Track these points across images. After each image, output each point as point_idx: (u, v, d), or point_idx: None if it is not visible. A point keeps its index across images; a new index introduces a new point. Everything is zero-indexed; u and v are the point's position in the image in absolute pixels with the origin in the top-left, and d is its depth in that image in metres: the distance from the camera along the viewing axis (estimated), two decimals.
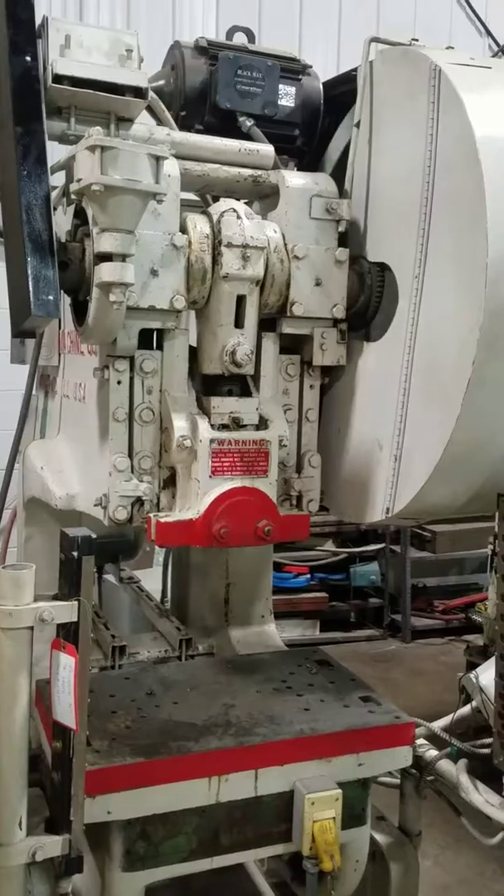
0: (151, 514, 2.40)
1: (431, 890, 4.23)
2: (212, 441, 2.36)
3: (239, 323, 2.40)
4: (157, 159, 2.03)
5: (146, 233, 2.25)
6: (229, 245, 2.33)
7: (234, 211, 2.37)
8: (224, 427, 2.41)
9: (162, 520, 2.35)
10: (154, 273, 2.30)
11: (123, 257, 2.07)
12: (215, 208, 2.42)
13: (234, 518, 2.34)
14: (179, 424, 2.37)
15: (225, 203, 2.42)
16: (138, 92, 2.41)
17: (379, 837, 2.57)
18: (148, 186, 2.02)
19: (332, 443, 2.74)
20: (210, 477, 2.36)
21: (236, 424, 2.42)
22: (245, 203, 2.84)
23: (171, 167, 2.32)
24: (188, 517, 2.36)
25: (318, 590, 7.80)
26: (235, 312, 2.39)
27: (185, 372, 2.45)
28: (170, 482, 2.47)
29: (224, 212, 2.37)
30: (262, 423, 2.48)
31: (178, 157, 2.44)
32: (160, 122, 2.65)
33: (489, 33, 8.75)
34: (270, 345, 2.56)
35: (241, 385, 2.50)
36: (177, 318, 2.39)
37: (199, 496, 2.35)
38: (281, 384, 2.62)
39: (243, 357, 2.38)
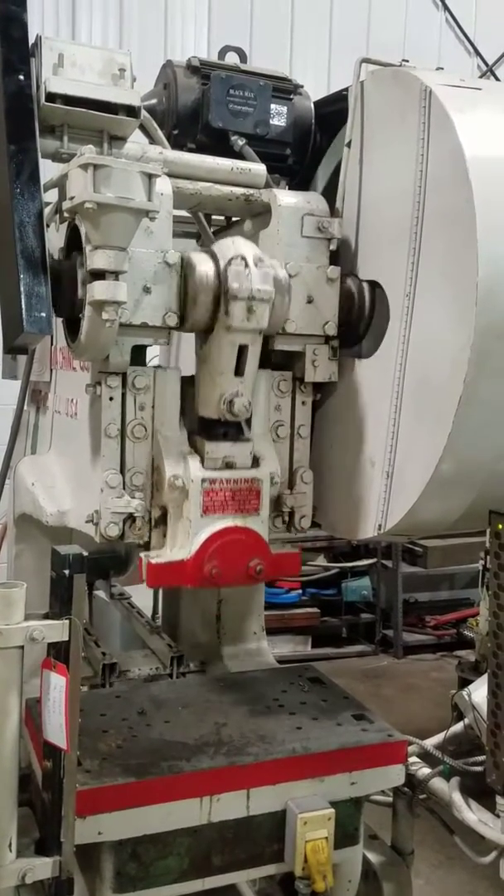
0: (143, 555, 2.39)
1: None
2: (203, 480, 2.36)
3: (239, 371, 2.37)
4: (150, 177, 2.04)
5: (139, 250, 2.26)
6: (235, 298, 2.25)
7: (243, 259, 2.26)
8: (217, 469, 2.41)
9: (153, 561, 2.34)
10: (147, 290, 2.31)
11: (116, 275, 2.08)
12: (222, 252, 2.30)
13: (225, 558, 2.34)
14: (171, 464, 2.37)
15: (233, 246, 2.31)
16: (131, 111, 2.42)
17: (371, 857, 2.55)
18: (140, 204, 2.03)
19: (324, 459, 2.75)
20: (201, 516, 2.35)
21: (229, 468, 2.42)
22: (237, 220, 2.88)
23: (164, 185, 2.33)
24: (179, 557, 2.35)
25: (310, 605, 7.77)
26: (237, 361, 2.35)
27: (177, 411, 2.45)
28: (161, 521, 2.46)
29: (231, 259, 2.26)
30: (254, 462, 2.48)
31: (170, 175, 2.45)
32: (153, 140, 2.67)
33: (478, 53, 8.86)
34: (262, 382, 2.55)
35: (236, 427, 2.48)
36: (168, 334, 2.39)
37: (190, 535, 2.35)
38: (273, 400, 2.63)
39: (241, 409, 2.36)
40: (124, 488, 2.42)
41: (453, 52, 8.69)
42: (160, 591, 3.61)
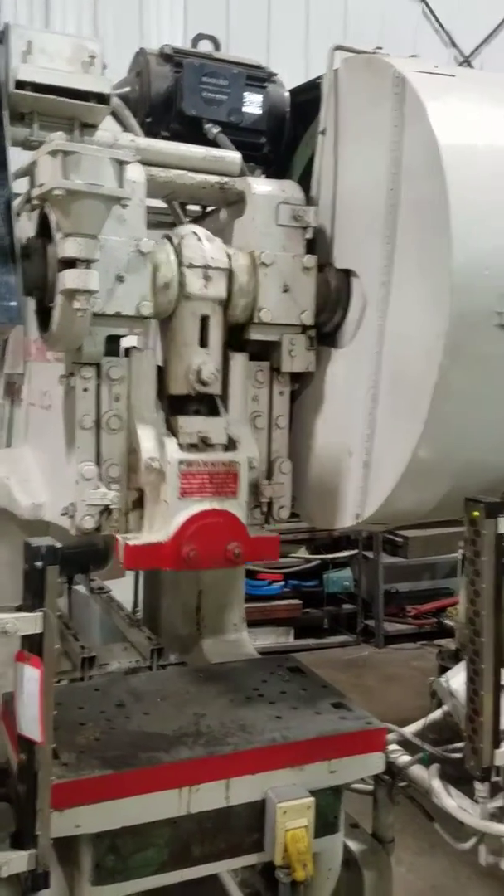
0: (119, 536, 2.37)
1: None
2: (180, 462, 2.35)
3: (203, 342, 2.39)
4: (120, 164, 2.02)
5: (111, 238, 2.24)
6: (191, 266, 2.35)
7: (195, 234, 2.39)
8: (192, 447, 2.40)
9: (130, 542, 2.33)
10: (120, 279, 2.28)
11: (87, 263, 2.05)
12: (176, 232, 2.44)
13: (203, 540, 2.32)
14: (147, 446, 2.36)
15: (185, 227, 2.44)
16: (101, 98, 2.39)
17: (352, 845, 2.56)
18: (111, 191, 2.00)
19: (302, 449, 2.74)
20: (179, 498, 2.34)
21: (204, 444, 2.41)
22: (213, 209, 2.86)
23: (136, 173, 2.31)
24: (157, 539, 2.34)
25: (292, 597, 7.80)
26: (200, 332, 2.39)
27: (153, 392, 2.43)
28: (138, 503, 2.44)
29: (184, 235, 2.40)
30: (231, 445, 2.47)
31: (143, 163, 2.42)
32: (126, 128, 2.64)
33: (454, 44, 8.88)
34: (238, 365, 2.55)
35: (209, 405, 2.49)
36: (143, 323, 2.37)
37: (167, 518, 2.33)
38: (250, 391, 2.61)
39: (209, 375, 2.37)
40: (100, 480, 2.40)
41: (430, 43, 8.70)
42: (140, 584, 3.59)
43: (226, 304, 2.45)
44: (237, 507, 2.41)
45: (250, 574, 7.38)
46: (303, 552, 7.93)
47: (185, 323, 2.39)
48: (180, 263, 2.36)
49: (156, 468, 2.34)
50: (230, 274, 2.43)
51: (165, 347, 2.47)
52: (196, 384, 2.38)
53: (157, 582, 3.11)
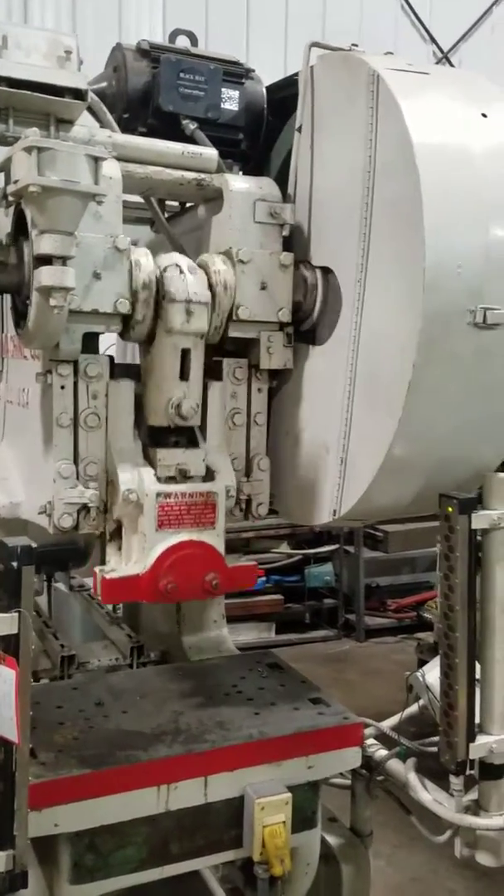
0: (97, 569, 2.38)
1: (385, 889, 4.27)
2: (158, 494, 2.35)
3: (184, 375, 2.37)
4: (96, 160, 2.01)
5: (88, 235, 2.23)
6: (173, 300, 2.31)
7: (177, 266, 2.35)
8: (170, 479, 2.40)
9: (107, 576, 2.33)
10: (97, 276, 2.28)
11: (63, 260, 2.04)
12: (158, 262, 2.38)
13: (180, 572, 2.33)
14: (125, 477, 2.35)
15: (167, 257, 2.39)
16: (77, 94, 2.38)
17: (330, 839, 2.57)
18: (87, 187, 1.99)
19: (280, 446, 2.75)
20: (156, 530, 2.34)
21: (183, 476, 2.41)
22: (191, 206, 2.86)
23: (112, 169, 2.30)
24: (134, 572, 2.34)
25: (273, 592, 7.82)
26: (181, 365, 2.37)
27: (131, 422, 2.43)
28: (116, 534, 2.44)
29: (167, 266, 2.35)
30: (209, 475, 2.47)
31: (120, 159, 2.42)
32: (102, 124, 2.63)
33: (433, 40, 8.91)
34: (216, 394, 2.54)
35: (188, 435, 2.48)
36: (120, 322, 2.37)
37: (145, 550, 2.33)
38: (229, 388, 2.62)
39: (188, 411, 2.36)
40: (78, 479, 2.39)
41: (409, 39, 8.73)
42: None
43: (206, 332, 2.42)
44: (215, 537, 2.41)
45: None
46: (284, 547, 7.96)
47: (165, 356, 2.36)
48: (163, 296, 2.32)
49: (133, 500, 2.33)
50: (213, 302, 2.41)
51: (144, 376, 2.46)
52: (176, 418, 2.37)
53: None
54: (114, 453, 2.38)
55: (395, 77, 2.23)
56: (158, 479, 2.37)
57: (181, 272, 2.33)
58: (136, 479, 2.35)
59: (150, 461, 2.41)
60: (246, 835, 2.19)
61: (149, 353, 2.42)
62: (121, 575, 2.33)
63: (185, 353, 2.36)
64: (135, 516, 2.36)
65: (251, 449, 2.68)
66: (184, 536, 2.36)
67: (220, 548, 2.42)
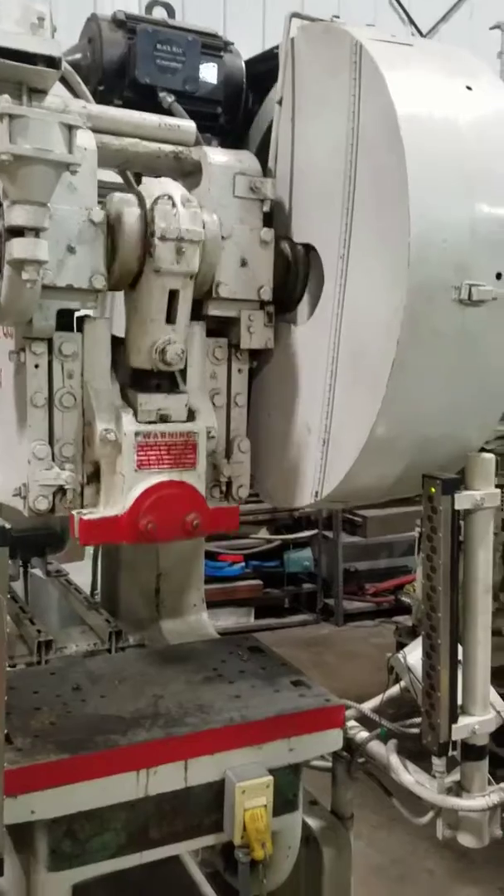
0: (75, 512, 2.31)
1: (365, 870, 4.29)
2: (137, 434, 2.29)
3: (171, 318, 2.30)
4: (70, 128, 1.94)
5: (62, 207, 2.16)
6: (163, 238, 2.20)
7: (170, 198, 2.21)
8: (151, 423, 2.34)
9: (86, 517, 2.27)
10: (71, 250, 2.21)
11: (36, 232, 1.98)
12: (148, 191, 2.27)
13: (161, 512, 2.27)
14: (102, 417, 2.29)
15: (159, 186, 2.28)
16: (51, 61, 2.28)
17: (311, 822, 2.56)
18: (60, 156, 1.93)
19: (261, 427, 2.71)
20: (135, 471, 2.29)
21: (164, 421, 2.35)
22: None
23: (87, 140, 2.23)
24: (113, 513, 2.28)
25: (253, 577, 7.84)
26: (167, 307, 2.29)
27: (108, 363, 2.36)
28: (93, 477, 2.38)
29: (158, 198, 2.21)
30: (190, 415, 2.42)
31: (95, 131, 2.34)
32: (76, 95, 2.55)
33: (412, 21, 8.85)
34: (197, 334, 2.49)
35: (170, 379, 2.43)
36: (97, 298, 2.30)
37: (124, 491, 2.28)
38: (208, 368, 2.57)
39: (174, 357, 2.29)
40: (53, 460, 2.33)
41: (388, 20, 8.67)
42: (98, 567, 3.54)
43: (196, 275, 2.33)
44: (196, 477, 2.37)
45: (211, 555, 7.38)
46: (263, 533, 7.97)
47: (152, 297, 2.26)
48: (151, 234, 2.21)
49: (111, 440, 2.28)
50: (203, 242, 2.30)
51: (128, 318, 2.38)
52: (160, 363, 2.30)
53: (116, 564, 3.06)
54: (90, 394, 2.31)
55: (378, 48, 2.18)
56: (138, 422, 2.31)
57: (173, 205, 2.22)
58: (114, 420, 2.29)
59: (129, 403, 2.34)
60: (227, 819, 2.17)
61: (133, 292, 2.32)
62: (99, 516, 2.27)
63: (174, 295, 2.27)
64: (113, 457, 2.30)
65: (231, 430, 2.63)
66: (164, 477, 2.31)
67: (201, 488, 2.37)
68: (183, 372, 2.46)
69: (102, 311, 2.36)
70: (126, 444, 2.27)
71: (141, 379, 2.38)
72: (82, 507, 2.38)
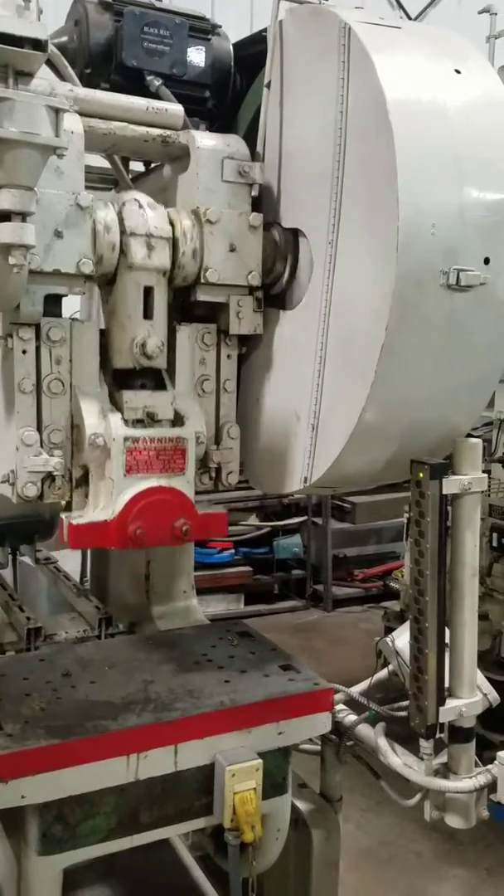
0: (64, 515, 2.32)
1: (354, 853, 4.34)
2: (126, 439, 2.29)
3: (147, 314, 2.33)
4: (57, 112, 1.93)
5: (49, 192, 2.15)
6: (133, 234, 2.28)
7: (136, 201, 2.32)
8: (138, 423, 2.35)
9: (74, 521, 2.27)
10: (58, 234, 2.20)
11: (23, 216, 1.96)
12: (117, 198, 2.36)
13: (150, 518, 2.28)
14: (91, 422, 2.29)
15: (127, 194, 2.37)
16: (37, 44, 2.25)
17: (300, 805, 2.58)
18: (47, 140, 1.91)
19: (250, 413, 2.71)
20: (124, 476, 2.29)
21: (151, 419, 2.36)
22: (156, 166, 2.78)
23: (74, 123, 2.22)
24: (102, 518, 2.29)
25: (242, 564, 7.85)
26: (144, 303, 2.32)
27: (96, 365, 2.37)
28: (82, 481, 2.39)
29: (125, 202, 2.32)
30: (178, 420, 2.42)
31: (82, 114, 2.33)
32: (63, 78, 2.52)
33: (401, 5, 8.80)
34: (185, 338, 2.50)
35: (155, 378, 2.43)
36: (84, 283, 2.29)
37: (113, 496, 2.28)
38: (198, 354, 2.56)
39: (153, 349, 2.32)
40: (42, 446, 2.33)
41: (377, 4, 8.60)
42: (88, 554, 3.54)
43: (170, 273, 2.39)
44: (185, 483, 2.37)
45: (201, 542, 7.38)
46: (253, 520, 7.98)
47: (127, 294, 2.31)
48: (122, 231, 2.29)
49: (100, 444, 2.28)
50: (174, 242, 2.37)
51: (108, 319, 2.40)
52: (141, 358, 2.32)
53: (105, 551, 3.06)
54: (79, 398, 2.32)
55: (367, 31, 2.17)
56: (126, 423, 2.32)
57: (140, 206, 2.31)
58: (103, 424, 2.29)
59: (116, 405, 2.35)
60: (216, 802, 2.18)
61: (111, 294, 2.36)
62: (88, 520, 2.28)
63: (148, 291, 2.32)
64: (102, 461, 2.31)
65: (221, 416, 2.63)
66: (153, 482, 2.31)
67: (190, 494, 2.38)
68: (170, 373, 2.46)
69: (90, 314, 2.36)
70: (115, 448, 2.28)
71: (126, 379, 2.39)
72: (71, 495, 2.38)
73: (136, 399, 2.35)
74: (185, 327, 2.49)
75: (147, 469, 2.32)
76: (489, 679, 2.45)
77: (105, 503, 2.30)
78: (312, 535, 8.14)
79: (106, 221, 2.28)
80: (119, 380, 2.40)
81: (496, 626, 4.93)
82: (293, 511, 8.22)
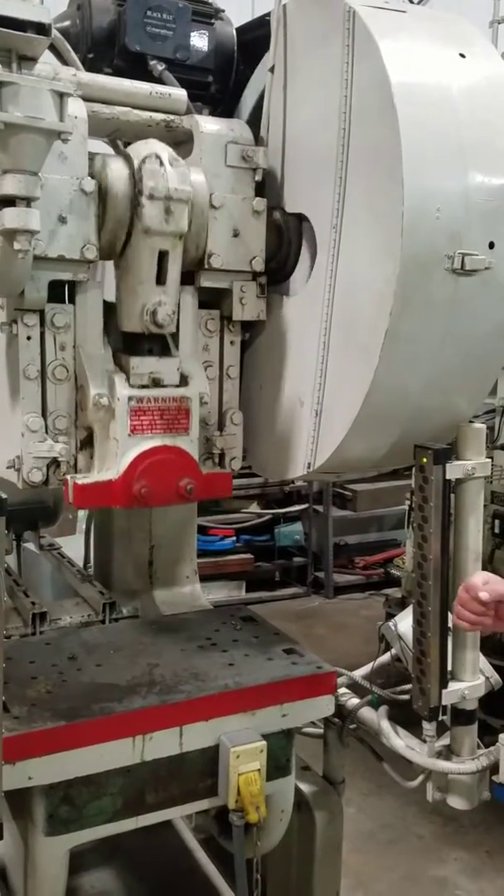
0: (69, 476, 2.32)
1: (356, 836, 4.38)
2: (130, 399, 2.29)
3: (161, 280, 2.29)
4: (61, 96, 1.92)
5: (53, 177, 2.15)
6: (151, 197, 2.19)
7: (157, 157, 2.20)
8: (143, 387, 2.34)
9: (79, 481, 2.28)
10: (62, 220, 2.19)
11: (28, 201, 1.96)
12: (135, 151, 2.27)
13: (154, 477, 2.28)
14: (95, 382, 2.29)
15: (146, 146, 2.26)
16: (41, 28, 2.24)
17: (304, 787, 2.60)
18: (51, 125, 1.91)
19: (253, 400, 2.71)
20: (129, 436, 2.29)
21: (156, 385, 2.35)
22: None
23: (78, 108, 2.21)
24: (107, 478, 2.29)
25: (244, 551, 7.87)
26: (157, 268, 2.28)
27: (100, 328, 2.36)
28: (87, 443, 2.39)
29: (146, 157, 2.20)
30: (183, 381, 2.42)
31: (86, 99, 2.32)
32: (66, 63, 2.52)
33: None
34: (189, 299, 2.48)
35: (162, 342, 2.42)
36: (88, 269, 2.29)
37: (117, 456, 2.28)
38: (201, 340, 2.57)
39: (164, 318, 2.29)
40: (47, 432, 2.34)
41: None
42: (91, 540, 3.55)
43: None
44: (189, 443, 2.38)
45: (202, 530, 7.40)
46: (254, 507, 7.99)
47: (141, 259, 2.25)
48: (139, 192, 2.20)
49: (104, 405, 2.28)
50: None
51: (118, 282, 2.37)
52: (151, 325, 2.29)
53: (109, 536, 3.07)
54: (83, 359, 2.31)
55: (371, 14, 2.16)
56: (131, 387, 2.31)
57: (161, 164, 2.20)
58: (107, 385, 2.29)
59: (121, 368, 2.34)
60: (221, 783, 2.20)
61: (123, 254, 2.30)
62: (93, 480, 2.29)
63: (163, 256, 2.26)
64: (106, 422, 2.31)
65: (224, 403, 2.64)
66: (157, 442, 2.32)
67: (195, 454, 2.39)
68: (175, 337, 2.45)
69: (94, 276, 2.35)
70: (119, 408, 2.28)
71: (133, 343, 2.38)
72: (76, 467, 2.39)
73: (144, 365, 2.34)
74: (188, 289, 2.46)
75: (151, 429, 2.32)
76: (492, 664, 2.47)
77: (110, 464, 2.31)
78: (314, 523, 8.16)
79: (119, 185, 2.19)
80: (126, 342, 2.39)
81: None
82: (294, 499, 8.23)
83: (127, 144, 2.72)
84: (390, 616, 4.79)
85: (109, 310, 2.39)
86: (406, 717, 2.50)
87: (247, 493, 7.76)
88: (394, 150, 2.05)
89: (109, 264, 2.45)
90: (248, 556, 7.86)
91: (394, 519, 8.16)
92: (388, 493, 7.78)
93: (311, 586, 8.18)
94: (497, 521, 5.06)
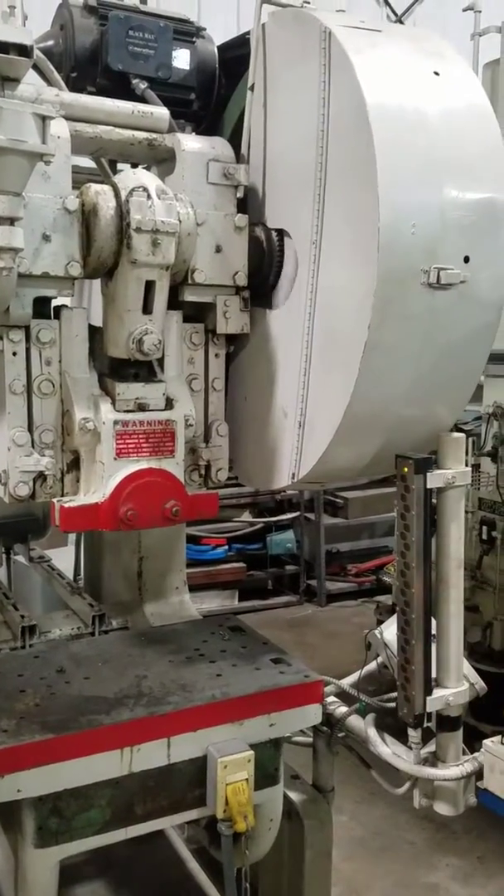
0: (55, 500, 2.34)
1: (348, 843, 4.39)
2: (116, 423, 2.33)
3: (147, 309, 2.33)
4: (44, 119, 1.96)
5: (36, 196, 2.18)
6: (139, 230, 2.22)
7: (145, 190, 2.23)
8: (129, 411, 2.37)
9: (66, 504, 2.31)
10: (46, 238, 2.23)
11: (11, 221, 1.99)
12: (123, 182, 2.29)
13: (140, 500, 2.31)
14: (81, 406, 2.32)
15: (134, 177, 2.30)
16: (23, 50, 2.29)
17: (293, 796, 2.62)
18: (34, 147, 1.94)
19: (238, 411, 2.75)
20: (115, 459, 2.32)
21: (142, 409, 2.39)
22: (148, 169, 2.79)
23: (61, 128, 2.25)
24: (93, 501, 2.32)
25: (236, 560, 7.88)
26: (144, 298, 2.32)
27: (85, 352, 2.39)
28: (73, 465, 2.42)
29: (133, 190, 2.24)
30: (168, 404, 2.45)
31: (69, 118, 2.36)
32: (49, 83, 2.55)
33: (387, 3, 8.82)
34: (173, 323, 2.52)
35: (148, 367, 2.45)
36: (73, 285, 2.32)
37: (104, 479, 2.31)
38: (186, 353, 2.60)
39: (151, 347, 2.32)
40: (33, 446, 2.36)
41: (363, 2, 8.62)
42: (81, 553, 3.57)
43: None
44: (174, 465, 2.41)
45: (194, 539, 7.41)
46: (246, 516, 8.00)
47: (128, 288, 2.29)
48: (127, 225, 2.23)
49: (90, 429, 2.31)
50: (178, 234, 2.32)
51: (105, 308, 2.40)
52: (137, 353, 2.33)
53: (98, 549, 3.09)
54: (69, 383, 2.34)
55: (347, 34, 2.20)
56: (117, 411, 2.34)
57: (149, 197, 2.23)
58: (93, 409, 2.32)
59: (107, 393, 2.37)
60: (209, 793, 2.22)
61: (111, 282, 2.34)
62: (79, 503, 2.31)
63: (150, 286, 2.30)
64: (92, 445, 2.34)
65: (209, 415, 2.67)
66: (143, 465, 2.35)
67: (180, 476, 2.42)
68: (161, 360, 2.48)
69: (80, 301, 2.38)
70: (105, 432, 2.31)
71: (119, 368, 2.41)
72: (63, 493, 2.42)
73: (129, 391, 2.37)
74: (173, 313, 2.50)
75: (137, 452, 2.35)
76: (480, 670, 2.50)
77: (96, 487, 2.34)
78: (305, 531, 8.18)
79: (107, 216, 2.22)
80: (112, 366, 2.42)
81: (487, 618, 4.99)
82: (286, 507, 8.25)
83: (112, 162, 2.76)
84: (381, 623, 4.82)
85: (95, 333, 2.43)
86: (399, 725, 2.52)
87: (238, 502, 7.77)
88: (369, 168, 2.09)
89: (96, 289, 2.48)
90: (241, 565, 7.87)
91: (385, 526, 8.20)
92: (379, 500, 7.82)
93: (304, 594, 8.20)
94: (485, 528, 5.10)
